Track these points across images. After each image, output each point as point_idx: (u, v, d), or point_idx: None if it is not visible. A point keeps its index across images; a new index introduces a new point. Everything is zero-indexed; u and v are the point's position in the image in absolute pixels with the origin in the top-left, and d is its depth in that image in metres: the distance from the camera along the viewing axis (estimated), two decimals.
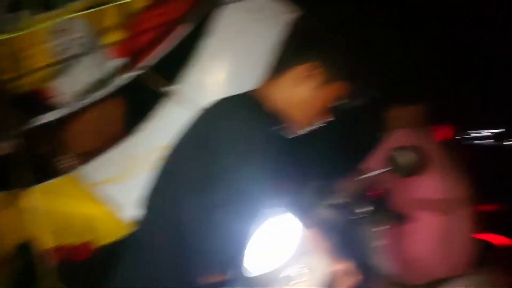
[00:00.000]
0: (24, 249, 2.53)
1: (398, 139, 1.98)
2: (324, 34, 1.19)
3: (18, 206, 2.52)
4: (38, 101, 2.56)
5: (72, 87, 2.60)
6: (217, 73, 2.37)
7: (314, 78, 1.16)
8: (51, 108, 2.56)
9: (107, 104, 2.75)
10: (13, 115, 2.39)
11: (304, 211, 1.84)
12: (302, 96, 1.18)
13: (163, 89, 2.50)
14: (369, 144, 2.08)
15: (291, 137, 1.26)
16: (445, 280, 2.00)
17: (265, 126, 1.08)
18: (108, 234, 2.45)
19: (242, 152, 1.01)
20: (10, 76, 2.44)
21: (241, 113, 1.08)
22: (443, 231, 1.99)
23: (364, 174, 1.77)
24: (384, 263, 2.05)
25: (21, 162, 2.48)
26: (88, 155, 2.70)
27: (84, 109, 2.69)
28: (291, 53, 1.20)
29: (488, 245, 2.26)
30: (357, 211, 1.70)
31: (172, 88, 2.49)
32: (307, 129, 1.26)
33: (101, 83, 2.60)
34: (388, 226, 1.68)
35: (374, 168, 1.85)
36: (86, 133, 2.85)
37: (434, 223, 1.98)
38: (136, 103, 2.77)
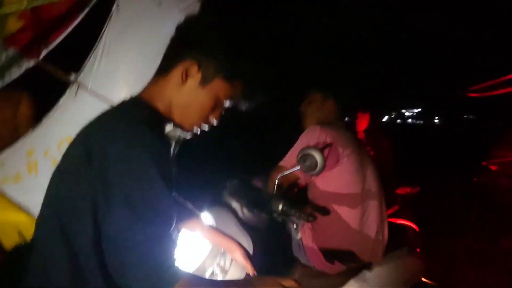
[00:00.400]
0: None
1: (312, 137, 2.01)
2: (201, 34, 1.20)
3: None
4: None
5: None
6: (118, 60, 2.27)
7: (194, 76, 1.18)
8: None
9: (4, 98, 2.56)
10: None
11: (220, 211, 1.82)
12: (186, 96, 1.19)
13: (63, 79, 2.36)
14: (287, 141, 2.09)
15: (187, 137, 1.25)
16: (360, 267, 2.07)
17: (154, 131, 1.07)
18: (12, 237, 2.30)
19: (131, 164, 0.99)
20: None
21: (127, 123, 1.06)
22: (357, 221, 2.05)
23: (280, 172, 1.79)
24: (304, 255, 2.09)
25: None
26: None
27: None
28: (173, 52, 1.21)
29: (400, 231, 2.36)
30: (273, 208, 1.71)
31: (72, 77, 2.36)
32: (198, 129, 1.25)
33: None
34: (306, 220, 1.70)
35: (290, 166, 1.87)
36: None
37: (347, 215, 2.04)
38: (36, 94, 2.60)
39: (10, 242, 2.25)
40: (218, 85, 1.20)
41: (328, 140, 1.99)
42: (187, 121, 1.21)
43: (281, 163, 2.00)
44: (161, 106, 1.17)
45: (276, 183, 1.77)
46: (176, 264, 1.02)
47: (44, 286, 1.07)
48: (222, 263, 1.73)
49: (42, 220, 1.13)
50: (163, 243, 1.00)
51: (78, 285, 1.03)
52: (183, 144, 1.28)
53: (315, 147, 1.69)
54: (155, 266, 0.98)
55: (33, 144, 2.29)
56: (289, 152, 2.02)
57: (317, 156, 1.65)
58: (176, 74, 1.18)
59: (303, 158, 1.67)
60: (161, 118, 1.17)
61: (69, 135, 1.97)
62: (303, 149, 1.70)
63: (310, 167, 1.67)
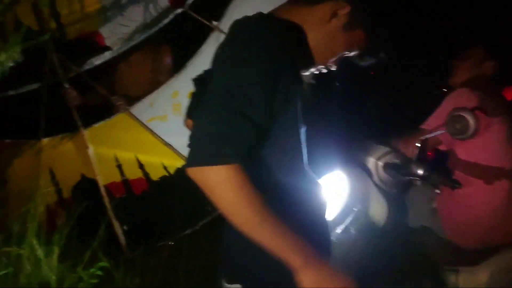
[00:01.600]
0: (83, 188, 2.66)
1: (460, 100, 1.85)
2: None
3: (74, 147, 2.64)
4: (88, 45, 2.59)
5: (120, 29, 2.62)
6: (257, 8, 2.28)
7: (340, 19, 1.11)
8: (100, 51, 2.59)
9: (153, 45, 2.77)
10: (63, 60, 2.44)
11: (354, 171, 1.79)
12: (325, 34, 1.13)
13: (206, 26, 2.48)
14: (431, 103, 1.97)
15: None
16: (500, 247, 1.91)
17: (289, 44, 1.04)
18: (158, 170, 2.57)
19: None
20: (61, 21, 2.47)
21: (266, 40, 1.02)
22: (502, 197, 1.88)
23: (422, 135, 1.69)
24: (439, 225, 1.98)
25: (72, 106, 2.57)
26: (136, 95, 2.77)
27: (132, 50, 2.72)
28: None
29: None
30: (413, 171, 1.63)
31: (214, 24, 2.48)
32: (319, 68, 1.18)
33: (148, 24, 2.60)
34: (451, 187, 1.61)
35: (433, 129, 1.75)
36: (134, 73, 2.89)
37: (493, 188, 1.87)
38: (180, 41, 2.77)
39: (156, 174, 2.53)
40: (359, 36, 1.14)
41: (477, 105, 1.82)
42: (316, 56, 1.15)
43: (424, 125, 1.89)
44: (294, 31, 1.12)
45: (418, 145, 1.68)
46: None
47: None
48: (350, 223, 1.70)
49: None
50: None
51: None
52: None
53: (468, 108, 1.57)
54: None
55: (177, 87, 2.48)
56: (434, 114, 1.89)
57: (470, 119, 1.52)
58: (323, 9, 1.11)
59: (453, 120, 1.55)
60: (293, 41, 1.10)
61: None
62: (453, 110, 1.58)
63: (459, 131, 1.55)
